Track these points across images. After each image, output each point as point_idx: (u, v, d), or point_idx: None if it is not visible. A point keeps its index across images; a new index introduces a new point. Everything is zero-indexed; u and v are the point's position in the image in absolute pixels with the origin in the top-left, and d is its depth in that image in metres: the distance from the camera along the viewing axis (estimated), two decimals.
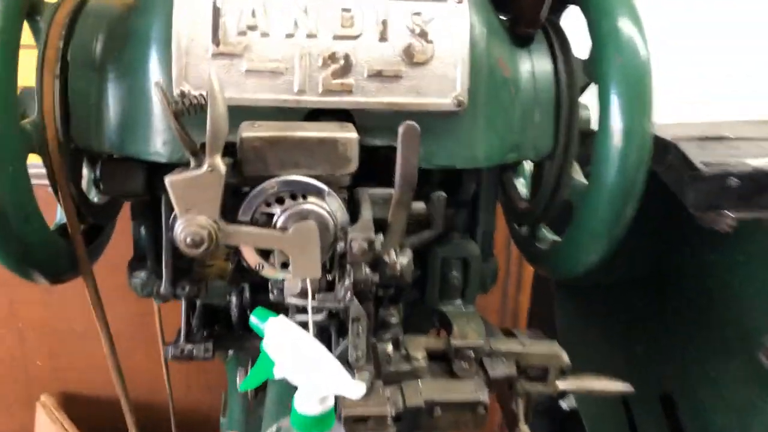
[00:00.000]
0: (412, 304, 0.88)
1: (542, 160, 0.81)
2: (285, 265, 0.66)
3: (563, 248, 0.86)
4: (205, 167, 0.59)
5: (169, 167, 0.76)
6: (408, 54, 0.68)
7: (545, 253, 0.91)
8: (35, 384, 1.84)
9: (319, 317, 0.69)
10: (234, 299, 0.88)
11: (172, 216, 0.64)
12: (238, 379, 0.90)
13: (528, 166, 0.98)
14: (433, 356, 0.80)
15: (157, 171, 0.77)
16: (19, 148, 0.66)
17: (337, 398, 0.71)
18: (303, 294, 0.68)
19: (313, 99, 0.67)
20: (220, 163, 0.59)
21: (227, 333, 0.90)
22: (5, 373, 1.83)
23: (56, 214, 0.85)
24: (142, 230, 0.87)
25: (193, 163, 0.61)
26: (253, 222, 0.64)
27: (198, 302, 0.88)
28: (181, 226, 0.60)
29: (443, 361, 0.81)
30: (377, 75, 0.68)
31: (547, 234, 0.94)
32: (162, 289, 0.81)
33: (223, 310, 0.93)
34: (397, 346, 0.79)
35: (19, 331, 1.80)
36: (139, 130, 0.69)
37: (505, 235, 1.08)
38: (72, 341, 1.81)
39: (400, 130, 0.57)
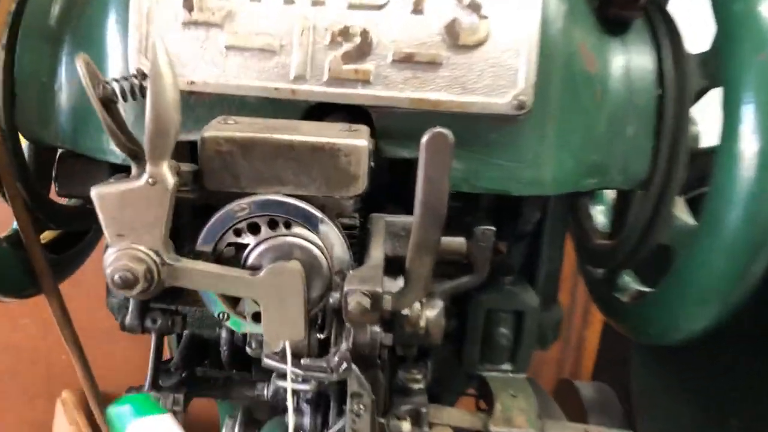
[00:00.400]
0: (443, 359, 0.69)
1: (634, 188, 0.59)
2: (257, 317, 0.47)
3: (655, 306, 0.64)
4: (144, 177, 0.42)
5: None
6: (451, 32, 0.49)
7: (627, 308, 0.70)
8: (57, 378, 1.77)
9: (307, 387, 0.51)
10: (224, 334, 0.71)
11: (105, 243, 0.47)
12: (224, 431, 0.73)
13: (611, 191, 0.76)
14: None
15: (125, 171, 0.61)
16: None
17: None
18: (284, 355, 0.50)
19: (316, 89, 0.49)
20: (167, 173, 0.42)
21: (213, 375, 0.73)
22: (28, 363, 1.77)
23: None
24: None
25: (134, 171, 0.43)
26: (216, 255, 0.46)
27: (185, 331, 0.72)
28: (111, 257, 0.42)
29: None
30: (406, 60, 0.49)
31: (631, 283, 0.72)
32: (127, 320, 0.65)
33: (213, 344, 0.77)
34: (418, 421, 0.60)
35: (43, 322, 1.73)
36: (93, 120, 0.53)
37: (571, 255, 0.86)
38: (96, 339, 1.72)
39: (424, 139, 0.38)
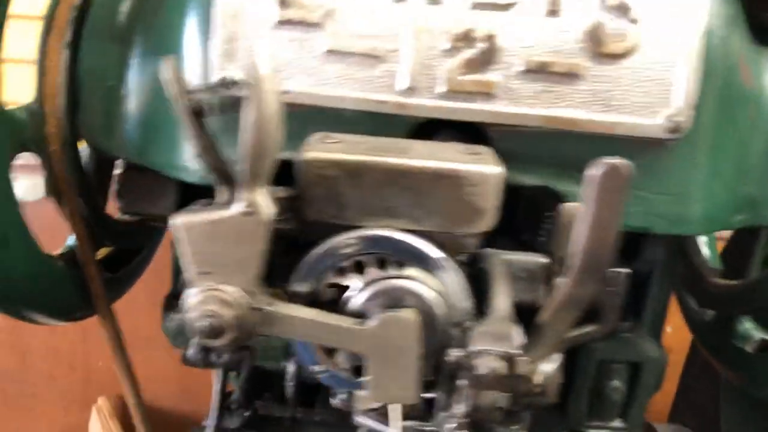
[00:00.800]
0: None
1: None
2: (358, 371, 0.40)
3: None
4: (238, 205, 0.35)
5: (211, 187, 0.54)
6: (594, 39, 0.41)
7: (751, 359, 0.60)
8: (94, 384, 1.74)
9: None
10: (291, 368, 0.64)
11: (180, 279, 0.40)
12: None
13: None
14: None
15: (195, 188, 0.55)
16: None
17: None
18: (383, 414, 0.42)
19: (428, 103, 0.41)
20: (264, 201, 0.35)
21: (277, 413, 0.66)
22: (67, 368, 1.74)
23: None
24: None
25: (221, 196, 0.36)
26: (314, 298, 0.39)
27: None
28: (194, 300, 0.35)
29: None
30: (538, 70, 0.41)
31: (754, 330, 0.62)
32: (190, 353, 0.58)
33: (276, 376, 0.70)
34: None
35: (82, 328, 1.69)
36: (165, 132, 0.46)
37: None
38: (135, 347, 1.68)
39: (596, 172, 0.30)
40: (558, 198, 0.45)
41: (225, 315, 0.35)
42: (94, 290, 0.60)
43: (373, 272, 0.38)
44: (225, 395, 0.62)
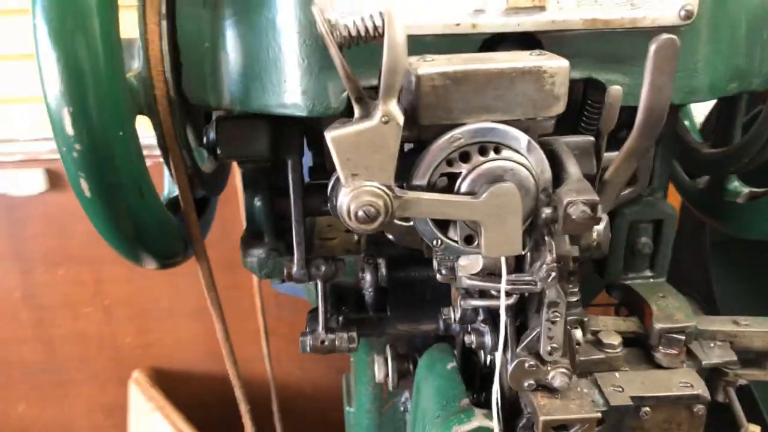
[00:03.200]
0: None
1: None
2: (469, 239, 0.51)
3: None
4: (378, 117, 0.44)
5: (299, 125, 0.63)
6: None
7: (741, 209, 0.74)
8: (126, 361, 1.80)
9: (511, 301, 0.54)
10: (368, 276, 0.75)
11: (332, 183, 0.50)
12: (376, 367, 0.78)
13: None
14: (626, 342, 0.65)
15: (283, 129, 0.63)
16: (127, 108, 0.53)
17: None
18: (485, 273, 0.54)
19: (495, 21, 0.51)
20: (397, 111, 0.44)
21: (359, 316, 0.77)
22: (96, 350, 1.80)
23: (164, 186, 0.73)
24: (257, 201, 0.74)
25: (358, 112, 0.46)
26: (430, 186, 0.49)
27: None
28: (350, 195, 0.45)
29: (637, 347, 0.66)
30: None
31: (740, 187, 0.76)
32: (294, 271, 0.68)
33: (352, 290, 0.80)
34: (583, 329, 0.64)
35: (105, 309, 1.76)
36: (270, 77, 0.55)
37: None
38: (159, 318, 1.76)
39: (653, 46, 0.41)
40: (598, 87, 0.56)
41: (378, 203, 0.45)
42: (194, 234, 0.69)
43: (475, 159, 0.49)
44: (327, 303, 0.71)
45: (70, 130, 0.49)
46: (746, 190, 0.76)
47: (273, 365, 1.52)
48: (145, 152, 0.54)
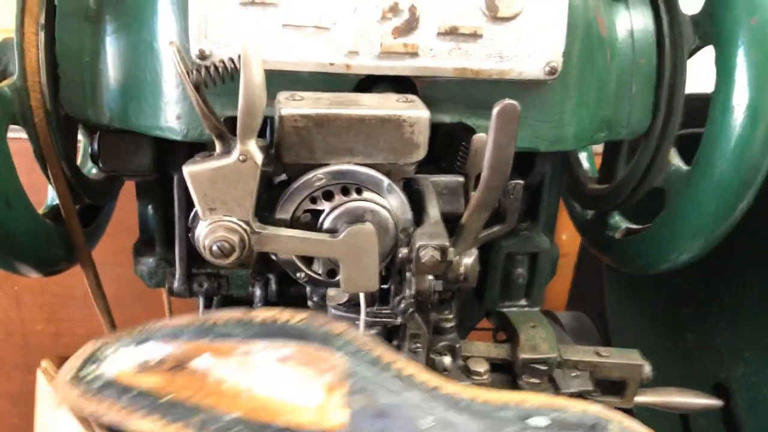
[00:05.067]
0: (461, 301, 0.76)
1: (634, 138, 0.67)
2: (332, 274, 0.53)
3: (646, 241, 0.73)
4: (235, 155, 0.45)
5: (183, 143, 0.63)
6: (491, 6, 0.53)
7: (618, 243, 0.78)
8: (34, 349, 1.75)
9: (374, 332, 0.57)
10: (258, 291, 0.76)
11: (192, 214, 0.50)
12: None
13: None
14: (496, 367, 0.68)
15: (168, 145, 0.63)
16: None
17: None
18: (351, 304, 0.56)
19: (369, 63, 0.53)
20: (256, 150, 0.46)
21: None
22: (3, 335, 1.74)
23: (47, 195, 0.72)
24: (149, 210, 0.74)
25: (219, 148, 0.47)
26: (293, 222, 0.50)
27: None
28: (206, 230, 0.46)
29: (506, 373, 0.70)
30: (450, 33, 0.53)
31: (621, 221, 0.81)
32: (176, 286, 0.68)
33: (244, 302, 0.81)
34: (453, 355, 0.67)
35: (15, 294, 1.70)
36: (146, 98, 0.55)
37: None
38: (72, 307, 1.72)
39: (496, 110, 0.43)
40: (470, 131, 0.58)
41: (232, 238, 0.46)
42: (78, 243, 0.68)
43: (338, 198, 0.50)
44: None
45: None
46: (624, 225, 0.80)
47: None
48: None
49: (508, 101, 0.43)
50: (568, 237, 1.42)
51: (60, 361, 1.66)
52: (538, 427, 0.44)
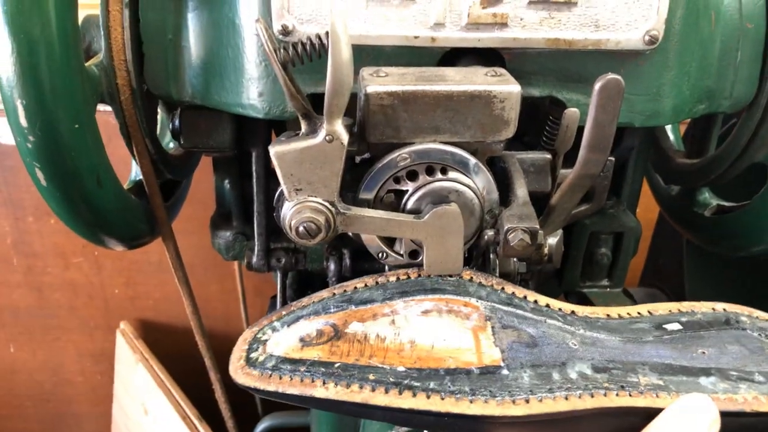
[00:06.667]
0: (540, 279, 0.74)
1: (737, 110, 0.62)
2: (414, 255, 0.52)
3: (742, 220, 0.68)
4: (321, 135, 0.44)
5: (262, 120, 0.62)
6: None
7: (707, 221, 0.74)
8: (114, 311, 1.85)
9: None
10: (332, 266, 0.76)
11: (277, 194, 0.50)
12: None
13: None
14: None
15: (247, 122, 0.63)
16: (85, 98, 0.52)
17: None
18: None
19: (455, 35, 0.50)
20: (342, 130, 0.44)
21: None
22: (86, 298, 1.84)
23: (131, 170, 0.73)
24: (227, 184, 0.75)
25: (304, 128, 0.46)
26: (376, 202, 0.49)
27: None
28: (292, 211, 0.46)
29: None
30: (542, 1, 0.50)
31: (711, 198, 0.76)
32: (254, 261, 0.69)
33: (318, 276, 0.81)
34: None
35: (96, 260, 1.79)
36: (228, 75, 0.54)
37: None
38: (147, 272, 1.79)
39: (598, 85, 0.41)
40: (558, 104, 0.55)
41: (319, 219, 0.46)
42: (160, 217, 0.70)
43: (422, 178, 0.49)
44: (286, 296, 0.73)
45: (23, 121, 0.49)
46: (715, 203, 0.76)
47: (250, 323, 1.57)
48: None
49: (611, 76, 0.40)
50: (641, 209, 1.36)
51: (137, 323, 1.73)
52: (675, 330, 0.45)
